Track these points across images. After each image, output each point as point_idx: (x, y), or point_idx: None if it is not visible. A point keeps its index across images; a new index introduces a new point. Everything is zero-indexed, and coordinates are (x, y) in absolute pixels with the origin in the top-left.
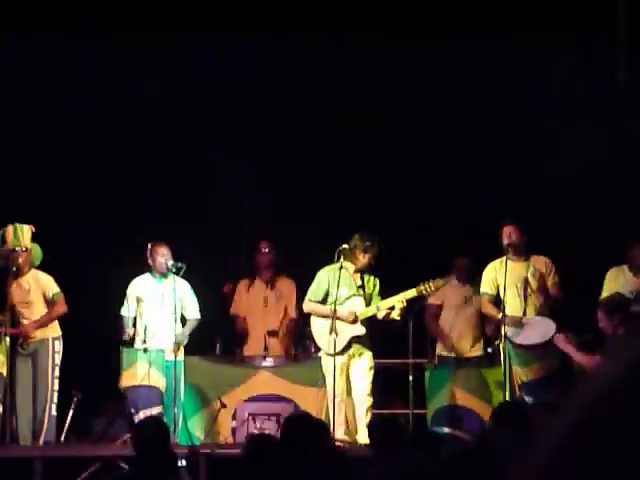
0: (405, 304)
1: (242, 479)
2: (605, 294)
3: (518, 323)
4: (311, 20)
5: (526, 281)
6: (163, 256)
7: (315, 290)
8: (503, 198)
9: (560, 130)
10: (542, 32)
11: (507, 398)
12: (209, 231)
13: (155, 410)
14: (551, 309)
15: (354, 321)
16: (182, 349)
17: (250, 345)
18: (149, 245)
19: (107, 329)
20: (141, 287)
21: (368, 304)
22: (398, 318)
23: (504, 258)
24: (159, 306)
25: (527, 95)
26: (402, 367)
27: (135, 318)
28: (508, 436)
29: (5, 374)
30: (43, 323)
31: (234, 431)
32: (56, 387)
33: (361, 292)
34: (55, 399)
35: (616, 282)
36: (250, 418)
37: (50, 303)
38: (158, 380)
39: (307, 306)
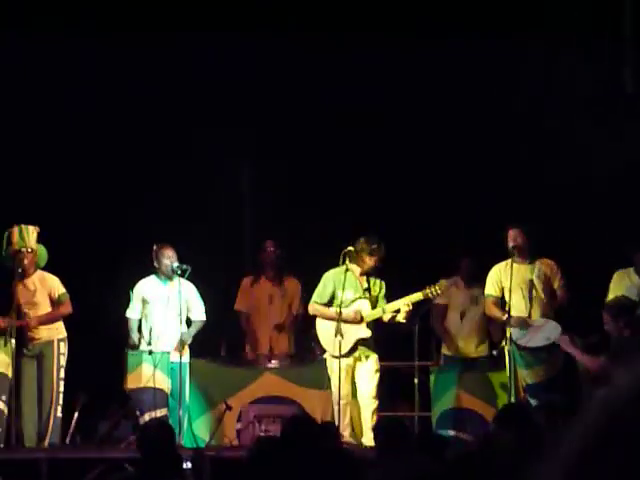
0: (411, 307)
1: None
2: (611, 297)
3: (523, 323)
4: (311, 20)
5: (531, 284)
6: (169, 258)
7: (321, 292)
8: (508, 200)
9: (560, 130)
10: (542, 32)
11: (512, 400)
12: (209, 231)
13: (160, 412)
14: (556, 311)
15: (360, 320)
16: (187, 350)
17: (255, 343)
18: (155, 247)
19: (112, 331)
20: (146, 289)
21: (374, 307)
22: (404, 321)
23: (509, 260)
24: (164, 308)
25: (527, 95)
26: (407, 370)
27: (140, 320)
28: (511, 438)
29: (11, 376)
30: (48, 320)
31: (239, 433)
32: (61, 389)
33: (367, 295)
34: (60, 401)
35: (622, 285)
36: (255, 420)
37: (56, 304)
38: (163, 382)
39: (313, 308)
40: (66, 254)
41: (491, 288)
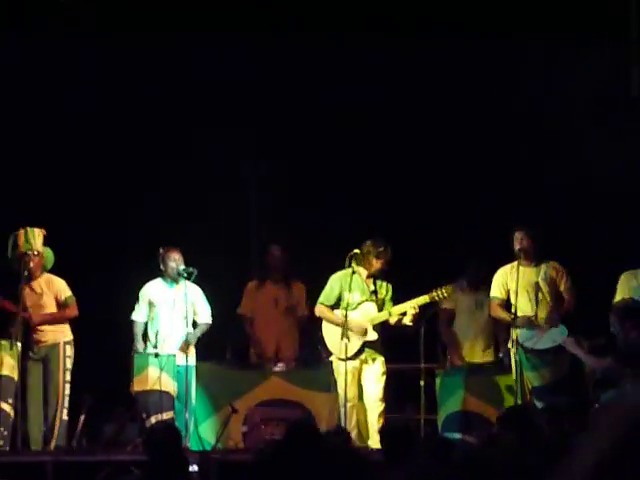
0: (417, 310)
1: None
2: (618, 298)
3: (529, 323)
4: (311, 20)
5: (537, 286)
6: (175, 261)
7: (328, 294)
8: (508, 200)
9: (560, 130)
10: (542, 32)
11: (518, 403)
12: (210, 232)
13: (166, 415)
14: (562, 315)
15: (364, 334)
16: (193, 353)
17: (261, 347)
18: (161, 250)
19: (118, 334)
20: (153, 292)
21: (380, 309)
22: (410, 324)
23: (515, 263)
24: (170, 311)
25: (527, 95)
26: (413, 372)
27: (146, 323)
28: (513, 438)
29: (16, 378)
30: (52, 320)
31: (245, 436)
32: (67, 391)
33: (373, 297)
34: (66, 403)
35: (629, 286)
36: (261, 423)
37: (62, 306)
38: (169, 385)
39: (319, 309)
40: (70, 256)
41: (496, 290)
